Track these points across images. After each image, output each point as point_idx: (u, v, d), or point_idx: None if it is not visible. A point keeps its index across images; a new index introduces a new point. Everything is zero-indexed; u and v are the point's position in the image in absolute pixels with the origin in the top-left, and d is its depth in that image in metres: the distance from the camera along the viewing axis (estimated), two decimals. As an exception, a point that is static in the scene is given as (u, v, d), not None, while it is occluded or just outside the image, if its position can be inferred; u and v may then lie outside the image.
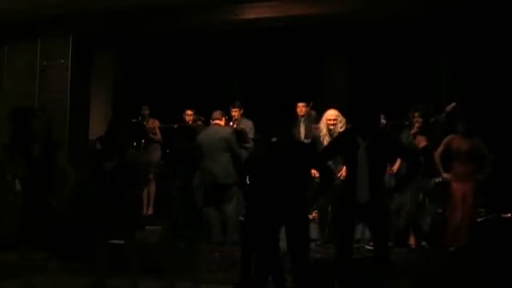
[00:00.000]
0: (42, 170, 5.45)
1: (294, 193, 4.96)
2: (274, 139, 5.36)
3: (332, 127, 6.74)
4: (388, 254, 4.85)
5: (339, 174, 6.45)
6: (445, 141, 6.64)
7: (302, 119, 7.84)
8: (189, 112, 8.40)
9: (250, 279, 5.37)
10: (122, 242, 5.80)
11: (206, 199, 7.05)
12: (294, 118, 7.87)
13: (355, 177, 4.71)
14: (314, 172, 5.93)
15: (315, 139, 6.99)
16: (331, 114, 6.83)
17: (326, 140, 6.74)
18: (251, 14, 7.72)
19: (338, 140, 5.46)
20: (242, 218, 7.26)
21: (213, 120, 7.16)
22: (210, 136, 6.98)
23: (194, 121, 8.35)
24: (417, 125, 6.85)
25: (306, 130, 7.68)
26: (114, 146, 5.61)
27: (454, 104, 7.02)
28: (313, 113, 8.08)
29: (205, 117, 8.18)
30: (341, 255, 4.85)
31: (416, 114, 6.90)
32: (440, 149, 6.63)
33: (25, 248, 5.83)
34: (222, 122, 7.22)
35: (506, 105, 7.96)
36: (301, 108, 7.92)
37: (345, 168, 6.29)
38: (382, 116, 6.91)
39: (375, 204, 4.67)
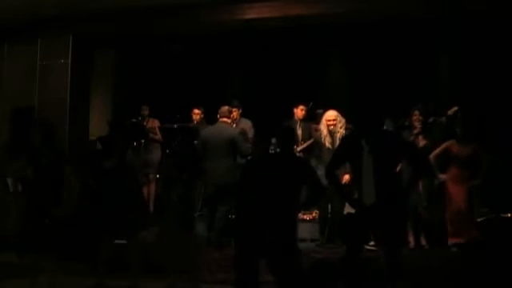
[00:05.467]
0: (49, 180, 5.40)
1: (283, 210, 4.68)
2: (273, 150, 5.32)
3: (332, 127, 6.77)
4: (399, 258, 4.75)
5: (343, 181, 6.40)
6: (444, 145, 6.63)
7: (299, 122, 7.73)
8: (196, 111, 8.21)
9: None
10: (124, 242, 5.80)
11: (206, 199, 7.04)
12: (292, 120, 7.78)
13: (361, 180, 4.69)
14: None
15: (314, 141, 7.01)
16: (330, 114, 6.86)
17: (327, 141, 6.77)
18: (251, 13, 7.72)
19: (342, 147, 5.43)
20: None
21: (220, 116, 6.98)
22: (216, 135, 6.82)
23: (202, 120, 8.23)
24: (418, 125, 6.86)
25: (303, 132, 7.61)
26: (114, 146, 5.61)
27: (455, 108, 7.03)
28: (321, 111, 7.87)
29: (206, 117, 8.15)
30: (350, 258, 4.84)
31: (416, 113, 6.91)
32: (437, 151, 6.62)
33: (25, 249, 5.83)
34: (230, 120, 7.16)
35: (506, 104, 7.96)
36: (302, 111, 7.69)
37: (348, 173, 6.31)
38: (388, 120, 6.88)
39: (385, 207, 4.64)
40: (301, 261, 4.88)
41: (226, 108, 7.00)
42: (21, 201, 6.12)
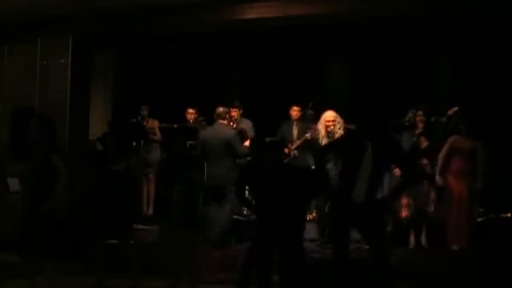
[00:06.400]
0: (44, 176, 5.25)
1: (292, 212, 5.13)
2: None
3: (330, 128, 6.77)
4: (385, 256, 4.77)
5: None
6: (449, 141, 6.64)
7: (295, 122, 7.75)
8: (190, 111, 8.33)
9: (250, 278, 5.36)
10: (117, 242, 5.79)
11: (206, 200, 7.04)
12: (289, 121, 7.79)
13: (355, 179, 4.68)
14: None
15: (311, 138, 7.01)
16: (329, 115, 6.85)
17: (324, 141, 6.78)
18: (251, 13, 7.72)
19: (341, 140, 5.45)
20: (240, 218, 7.33)
21: (216, 118, 7.01)
22: (213, 137, 6.87)
23: (196, 120, 8.30)
24: (421, 125, 6.87)
25: (298, 132, 7.63)
26: (119, 147, 5.60)
27: (455, 108, 7.04)
28: (311, 112, 8.01)
29: (206, 117, 8.16)
30: (337, 255, 4.84)
31: (420, 113, 6.91)
32: (444, 152, 6.62)
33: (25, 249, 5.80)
34: (226, 122, 7.18)
35: (507, 104, 7.96)
36: (296, 112, 7.72)
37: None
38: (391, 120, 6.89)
39: (370, 208, 4.66)
40: (306, 260, 5.31)
41: (221, 109, 7.00)
42: (21, 200, 6.10)
